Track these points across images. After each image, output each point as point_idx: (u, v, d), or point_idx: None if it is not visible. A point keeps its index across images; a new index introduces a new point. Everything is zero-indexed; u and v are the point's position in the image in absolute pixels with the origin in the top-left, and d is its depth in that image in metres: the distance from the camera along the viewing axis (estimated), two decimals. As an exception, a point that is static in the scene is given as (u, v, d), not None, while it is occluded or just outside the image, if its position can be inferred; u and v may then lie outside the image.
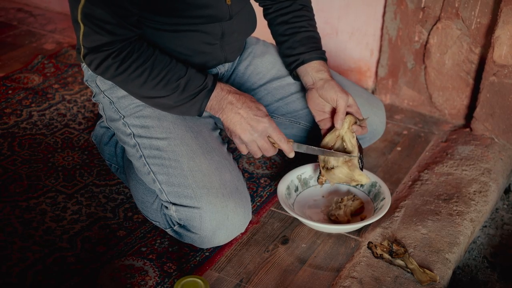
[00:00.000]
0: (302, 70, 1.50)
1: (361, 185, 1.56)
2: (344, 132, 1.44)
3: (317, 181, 1.50)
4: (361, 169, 1.45)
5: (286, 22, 1.53)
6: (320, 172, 1.49)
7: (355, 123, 1.45)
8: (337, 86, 1.45)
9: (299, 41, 1.51)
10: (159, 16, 1.30)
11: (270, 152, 1.37)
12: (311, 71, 1.48)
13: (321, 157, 1.47)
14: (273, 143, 1.37)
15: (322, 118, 1.49)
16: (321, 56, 1.51)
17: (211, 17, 1.35)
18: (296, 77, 1.55)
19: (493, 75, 1.71)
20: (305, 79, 1.50)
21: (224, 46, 1.45)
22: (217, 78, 1.37)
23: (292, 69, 1.53)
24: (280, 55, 1.59)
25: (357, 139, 1.46)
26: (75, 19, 1.22)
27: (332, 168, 1.46)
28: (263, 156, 1.73)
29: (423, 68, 1.92)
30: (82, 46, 1.26)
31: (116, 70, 1.26)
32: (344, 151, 1.45)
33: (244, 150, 1.38)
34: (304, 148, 1.43)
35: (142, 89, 1.31)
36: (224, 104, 1.34)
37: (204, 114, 1.44)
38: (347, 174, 1.45)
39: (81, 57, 1.28)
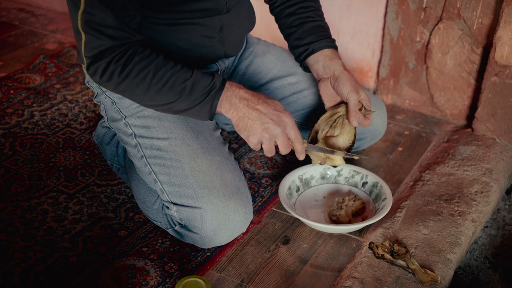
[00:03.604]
0: (313, 59, 1.47)
1: (338, 168, 1.58)
2: (343, 112, 1.44)
3: None
4: (348, 150, 1.46)
5: (292, 14, 1.50)
6: (308, 138, 1.50)
7: (360, 109, 1.44)
8: (349, 82, 1.41)
9: (307, 31, 1.48)
10: (161, 13, 1.30)
11: (287, 150, 1.31)
12: (323, 59, 1.45)
13: (316, 125, 1.48)
14: None
15: (332, 105, 1.49)
16: (332, 44, 1.48)
17: (209, 10, 1.35)
18: (307, 68, 1.52)
19: (494, 76, 1.71)
20: (316, 68, 1.47)
21: (224, 39, 1.44)
22: (226, 78, 1.33)
23: (302, 59, 1.50)
24: (289, 49, 1.55)
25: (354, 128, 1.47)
26: (76, 29, 1.20)
27: (317, 141, 1.46)
28: (264, 156, 1.73)
29: (424, 68, 1.91)
30: (84, 57, 1.22)
31: (120, 76, 1.22)
32: (330, 127, 1.46)
33: (258, 147, 1.31)
34: (315, 149, 1.42)
35: (148, 95, 1.25)
36: (236, 99, 1.27)
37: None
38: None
39: (85, 69, 1.24)
